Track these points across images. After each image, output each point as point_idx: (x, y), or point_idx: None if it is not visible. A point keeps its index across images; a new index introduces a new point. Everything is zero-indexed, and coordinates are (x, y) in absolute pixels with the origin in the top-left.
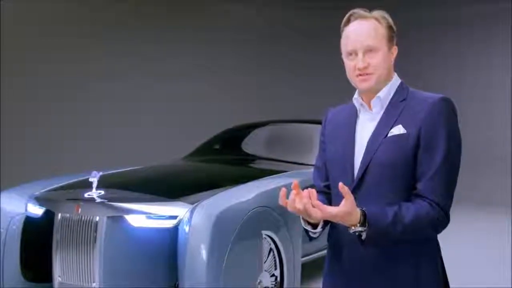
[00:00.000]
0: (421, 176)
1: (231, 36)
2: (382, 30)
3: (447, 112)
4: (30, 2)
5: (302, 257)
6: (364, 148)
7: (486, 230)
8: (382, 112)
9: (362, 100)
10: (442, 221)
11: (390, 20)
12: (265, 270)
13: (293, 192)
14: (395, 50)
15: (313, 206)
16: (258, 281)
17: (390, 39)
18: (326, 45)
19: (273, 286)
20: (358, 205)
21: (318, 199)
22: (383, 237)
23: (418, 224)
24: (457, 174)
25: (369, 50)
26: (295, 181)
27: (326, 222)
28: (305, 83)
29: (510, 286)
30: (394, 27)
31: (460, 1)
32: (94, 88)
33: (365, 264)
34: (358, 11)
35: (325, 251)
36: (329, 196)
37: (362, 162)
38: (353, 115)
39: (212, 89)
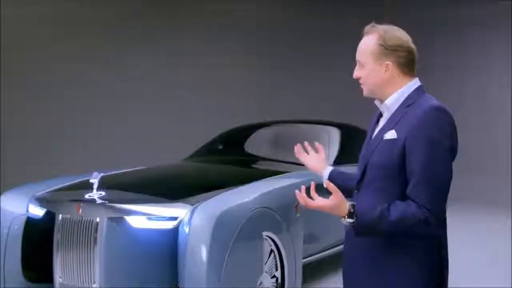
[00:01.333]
0: (409, 181)
1: (232, 36)
2: (371, 47)
3: (433, 121)
4: (30, 2)
5: (304, 258)
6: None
7: (486, 230)
8: (388, 117)
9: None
10: (430, 222)
11: (387, 37)
12: (266, 272)
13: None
14: (390, 65)
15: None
16: (259, 282)
17: (380, 56)
18: (327, 45)
19: (273, 287)
20: (355, 199)
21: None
22: (370, 230)
23: (403, 223)
24: (444, 180)
25: (359, 64)
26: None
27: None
28: (306, 84)
29: (510, 286)
30: (388, 45)
31: (460, 1)
32: (94, 88)
33: (362, 254)
34: (366, 27)
35: (325, 252)
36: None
37: (363, 162)
38: (378, 115)
39: (212, 89)
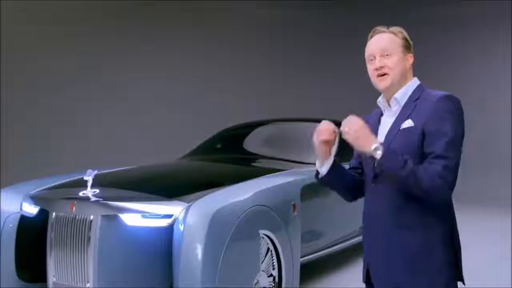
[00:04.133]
0: (427, 156)
1: (231, 36)
2: (397, 40)
3: (449, 107)
4: (30, 2)
5: (302, 257)
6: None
7: (486, 229)
8: (399, 110)
9: (386, 101)
10: (443, 187)
11: (406, 33)
12: (263, 270)
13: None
14: (410, 57)
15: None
16: (255, 281)
17: (405, 48)
18: (327, 45)
19: (271, 286)
20: (372, 192)
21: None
22: (392, 167)
23: (423, 177)
24: (458, 159)
25: (386, 54)
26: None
27: (333, 171)
28: (306, 83)
29: (510, 286)
30: (410, 40)
31: (460, 0)
32: (94, 88)
33: (382, 233)
34: (378, 28)
35: (324, 251)
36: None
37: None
38: (378, 115)
39: (212, 88)
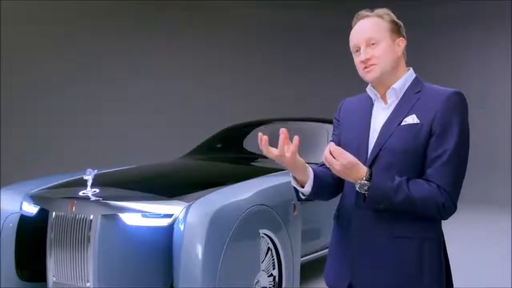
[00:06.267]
0: (432, 162)
1: (231, 36)
2: (384, 24)
3: (460, 105)
4: (30, 2)
5: (302, 257)
6: (377, 134)
7: (486, 230)
8: (396, 102)
9: (377, 92)
10: (448, 207)
11: (393, 15)
12: (263, 270)
13: (282, 138)
14: (402, 42)
15: (331, 152)
16: (256, 281)
17: (393, 32)
18: (327, 45)
19: (271, 286)
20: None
21: (318, 170)
22: (383, 199)
23: (422, 201)
24: (466, 164)
25: (371, 43)
26: (284, 129)
27: (315, 186)
28: (307, 83)
29: (510, 286)
30: (399, 21)
31: (460, 0)
32: (94, 88)
33: (372, 247)
34: (361, 12)
35: (324, 251)
36: (329, 171)
37: (374, 148)
38: (369, 104)
39: (212, 88)
